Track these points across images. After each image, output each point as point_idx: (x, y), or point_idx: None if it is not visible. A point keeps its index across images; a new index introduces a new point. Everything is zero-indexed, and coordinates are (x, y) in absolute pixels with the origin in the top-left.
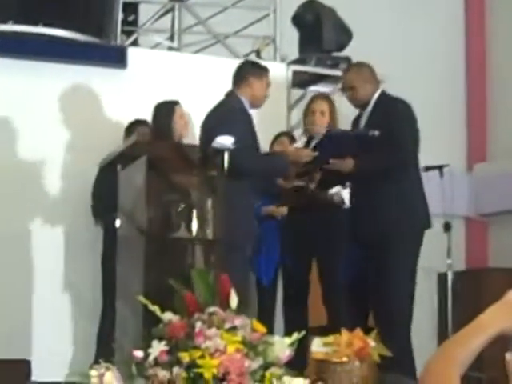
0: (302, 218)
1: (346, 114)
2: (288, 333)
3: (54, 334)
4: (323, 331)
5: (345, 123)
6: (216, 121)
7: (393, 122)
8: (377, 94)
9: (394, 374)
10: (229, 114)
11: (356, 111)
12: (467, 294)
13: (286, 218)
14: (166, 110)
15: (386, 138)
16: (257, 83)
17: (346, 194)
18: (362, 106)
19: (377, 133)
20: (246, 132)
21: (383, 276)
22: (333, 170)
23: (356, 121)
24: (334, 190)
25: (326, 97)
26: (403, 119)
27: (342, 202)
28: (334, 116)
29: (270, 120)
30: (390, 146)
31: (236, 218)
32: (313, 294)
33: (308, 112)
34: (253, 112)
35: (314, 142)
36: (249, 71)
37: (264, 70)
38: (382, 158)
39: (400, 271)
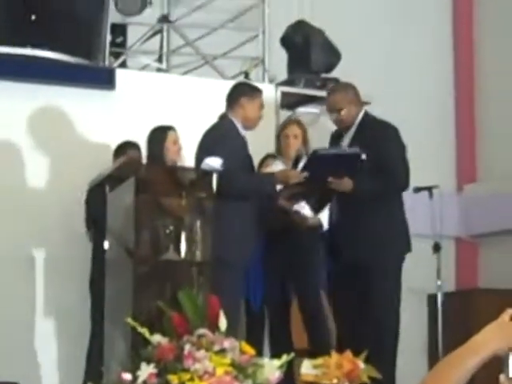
0: (279, 243)
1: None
2: (273, 355)
3: (42, 357)
4: (308, 354)
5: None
6: (207, 145)
7: (382, 147)
8: (360, 115)
9: None
10: (220, 138)
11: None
12: (457, 315)
13: (267, 242)
14: (159, 136)
15: (374, 161)
16: (249, 104)
17: (324, 217)
18: (346, 127)
19: (364, 156)
20: (236, 155)
21: (370, 299)
22: (329, 190)
23: (336, 139)
24: (298, 207)
25: (298, 121)
26: (394, 144)
27: (320, 225)
28: (307, 139)
29: (258, 141)
30: (385, 171)
31: (230, 239)
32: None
33: (281, 136)
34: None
35: (301, 163)
36: (241, 93)
37: (257, 91)
38: (380, 182)
39: (388, 294)
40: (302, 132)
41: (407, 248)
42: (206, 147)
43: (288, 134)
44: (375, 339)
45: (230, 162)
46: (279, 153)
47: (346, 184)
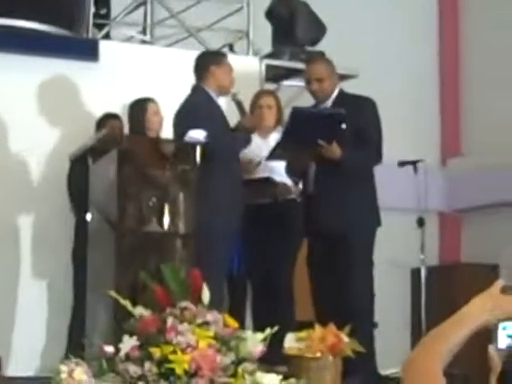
0: (260, 214)
1: None
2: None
3: (24, 329)
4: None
5: None
6: (180, 117)
7: (362, 120)
8: (337, 90)
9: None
10: (195, 107)
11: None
12: (440, 289)
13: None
14: (140, 108)
15: (355, 134)
16: (218, 71)
17: (297, 188)
18: (322, 99)
19: (344, 125)
20: (214, 123)
21: (346, 272)
22: (312, 155)
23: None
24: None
25: (271, 92)
26: (376, 119)
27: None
28: (281, 110)
29: None
30: (367, 145)
31: (217, 210)
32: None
33: (255, 107)
34: (225, 105)
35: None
36: (208, 61)
37: (222, 56)
38: (365, 155)
39: (365, 267)
40: (276, 103)
41: (379, 222)
42: (179, 120)
43: (262, 104)
44: (351, 312)
45: (208, 130)
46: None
47: (336, 150)
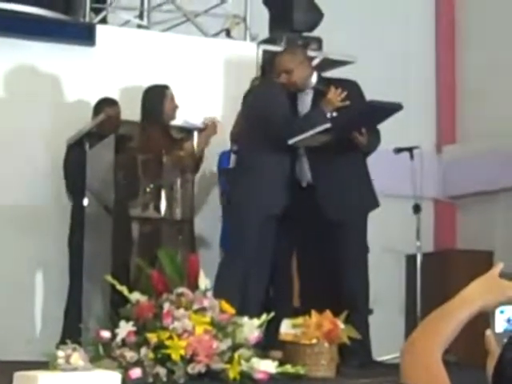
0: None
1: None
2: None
3: (20, 314)
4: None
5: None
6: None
7: (354, 103)
8: (314, 77)
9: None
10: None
11: None
12: (435, 276)
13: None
14: (158, 94)
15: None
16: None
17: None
18: (300, 89)
19: (335, 113)
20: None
21: (348, 253)
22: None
23: (291, 101)
24: None
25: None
26: (364, 100)
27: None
28: None
29: (239, 99)
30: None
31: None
32: None
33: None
34: (222, 91)
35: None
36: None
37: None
38: (376, 139)
39: (364, 249)
40: None
41: (377, 203)
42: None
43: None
44: (350, 299)
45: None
46: None
47: (364, 138)
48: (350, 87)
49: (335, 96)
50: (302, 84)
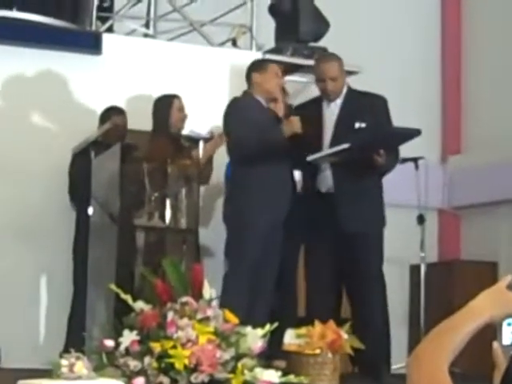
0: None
1: None
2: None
3: (24, 321)
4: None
5: None
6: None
7: (379, 117)
8: (345, 87)
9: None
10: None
11: None
12: (439, 286)
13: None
14: (165, 103)
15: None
16: (260, 78)
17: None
18: (334, 98)
19: (364, 124)
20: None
21: (366, 265)
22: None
23: (315, 108)
24: None
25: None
26: (389, 116)
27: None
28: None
29: None
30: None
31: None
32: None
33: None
34: (228, 100)
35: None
36: (250, 69)
37: (263, 62)
38: (394, 157)
39: (380, 262)
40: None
41: (384, 221)
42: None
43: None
44: (369, 314)
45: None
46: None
47: (382, 159)
48: (378, 102)
49: (297, 123)
50: (340, 93)
